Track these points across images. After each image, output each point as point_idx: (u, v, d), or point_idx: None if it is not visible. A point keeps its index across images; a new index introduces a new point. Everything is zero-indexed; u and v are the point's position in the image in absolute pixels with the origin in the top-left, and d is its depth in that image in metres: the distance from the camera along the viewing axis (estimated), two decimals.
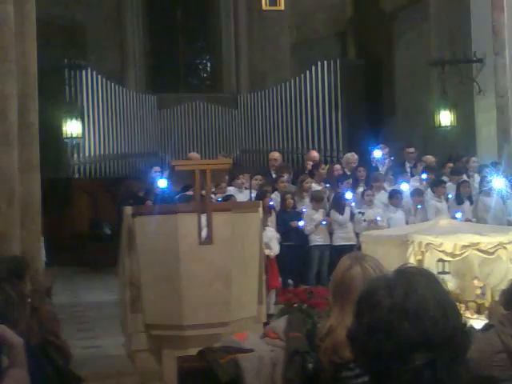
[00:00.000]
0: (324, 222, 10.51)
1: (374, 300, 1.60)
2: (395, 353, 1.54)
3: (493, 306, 4.74)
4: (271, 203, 10.13)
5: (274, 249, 9.40)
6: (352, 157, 12.86)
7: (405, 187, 11.60)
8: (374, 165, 12.67)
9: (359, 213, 10.72)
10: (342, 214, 10.66)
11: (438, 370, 1.53)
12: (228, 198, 9.88)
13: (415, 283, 1.61)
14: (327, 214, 10.76)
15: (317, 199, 10.75)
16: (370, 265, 3.12)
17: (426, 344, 1.53)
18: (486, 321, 4.93)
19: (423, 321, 1.55)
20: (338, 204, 10.79)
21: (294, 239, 10.23)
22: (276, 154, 12.76)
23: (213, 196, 9.13)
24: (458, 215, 10.19)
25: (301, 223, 10.31)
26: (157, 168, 12.14)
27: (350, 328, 1.66)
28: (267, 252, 8.29)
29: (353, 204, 10.95)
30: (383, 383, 1.58)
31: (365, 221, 10.54)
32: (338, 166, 12.46)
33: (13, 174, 7.53)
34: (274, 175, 11.96)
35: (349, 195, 10.87)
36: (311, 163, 12.45)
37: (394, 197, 11.07)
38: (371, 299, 1.61)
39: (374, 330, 1.57)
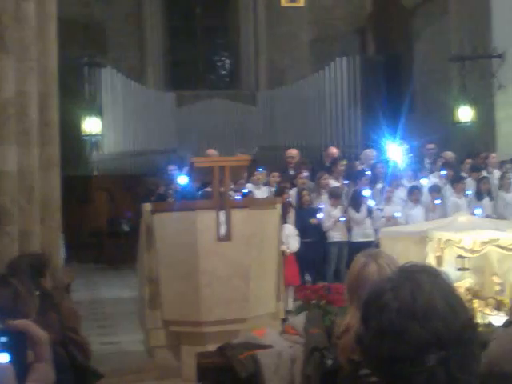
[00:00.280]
0: (343, 219, 10.49)
1: (381, 303, 1.58)
2: (407, 356, 1.52)
3: None
4: (288, 200, 10.13)
5: (293, 246, 9.39)
6: (371, 153, 12.83)
7: (424, 183, 11.56)
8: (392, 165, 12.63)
9: (378, 209, 10.68)
10: (359, 212, 10.62)
11: (451, 368, 1.52)
12: (246, 194, 9.90)
13: (421, 282, 1.58)
14: (345, 211, 10.74)
15: (335, 196, 10.74)
16: (385, 262, 3.11)
17: (437, 343, 1.51)
18: (506, 317, 4.91)
19: (433, 320, 1.53)
20: (356, 201, 10.76)
21: (312, 236, 10.23)
22: (293, 152, 12.74)
23: (231, 193, 9.14)
24: (478, 211, 10.13)
25: (319, 215, 10.31)
26: (172, 166, 12.17)
27: (357, 333, 1.64)
28: (283, 248, 8.29)
29: (371, 203, 10.90)
30: None
31: (383, 217, 10.51)
32: (356, 163, 12.43)
33: (33, 171, 7.58)
34: (291, 172, 11.95)
35: (367, 192, 10.83)
36: (330, 159, 12.44)
37: (413, 193, 11.03)
38: (378, 302, 1.59)
39: (383, 334, 1.55)
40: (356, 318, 3.10)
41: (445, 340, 1.52)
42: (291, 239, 9.38)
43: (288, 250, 9.08)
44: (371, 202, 10.91)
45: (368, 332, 1.59)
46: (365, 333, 1.60)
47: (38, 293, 3.00)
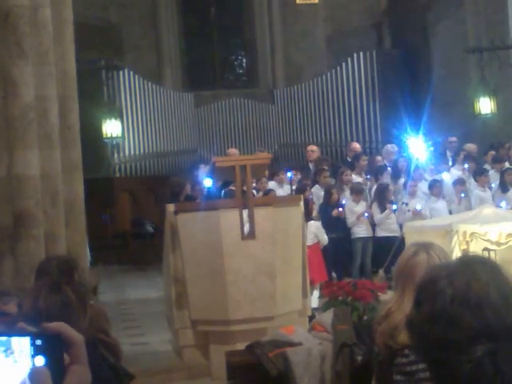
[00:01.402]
0: (366, 215, 10.45)
1: (436, 289, 1.57)
2: (456, 343, 1.51)
3: None
4: (310, 196, 10.11)
5: (324, 240, 9.40)
6: (392, 148, 12.78)
7: (446, 177, 11.48)
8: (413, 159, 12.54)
9: (403, 203, 10.63)
10: (385, 207, 10.55)
11: (499, 361, 1.50)
12: (268, 192, 9.89)
13: (477, 272, 1.57)
14: (370, 207, 10.70)
15: (357, 191, 10.70)
16: (436, 253, 3.10)
17: (487, 334, 1.50)
18: None
19: (485, 311, 1.51)
20: (381, 196, 10.69)
21: (337, 232, 10.20)
22: (314, 147, 12.73)
23: (254, 192, 9.13)
24: (503, 204, 10.03)
25: (340, 208, 10.29)
26: (203, 166, 12.17)
27: (409, 316, 1.64)
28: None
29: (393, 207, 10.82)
30: (442, 373, 1.56)
31: (409, 211, 10.45)
32: (379, 158, 12.38)
33: (56, 175, 7.62)
34: (312, 168, 11.92)
35: (390, 187, 10.75)
36: (352, 154, 12.40)
37: (435, 186, 10.97)
38: (432, 288, 1.58)
39: (435, 319, 1.54)
40: (397, 305, 3.09)
41: (495, 332, 1.50)
42: (320, 234, 9.38)
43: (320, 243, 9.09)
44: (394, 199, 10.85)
45: (419, 316, 1.58)
46: (416, 316, 1.60)
47: (92, 302, 2.97)
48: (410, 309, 1.67)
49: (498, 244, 7.40)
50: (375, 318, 3.31)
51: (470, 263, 1.62)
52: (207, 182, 10.41)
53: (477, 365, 1.50)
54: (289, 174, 11.00)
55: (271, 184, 10.81)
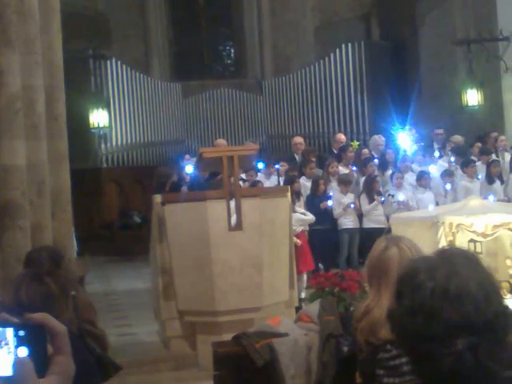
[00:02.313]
0: (352, 205, 10.46)
1: (416, 282, 1.58)
2: (437, 336, 1.52)
3: None
4: (298, 189, 10.12)
5: (311, 219, 9.42)
6: (379, 139, 12.80)
7: (433, 169, 11.51)
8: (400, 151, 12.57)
9: (389, 195, 10.66)
10: (373, 198, 10.57)
11: (480, 354, 1.51)
12: (255, 184, 9.89)
13: (457, 265, 1.58)
14: (358, 198, 10.72)
15: (344, 183, 10.72)
16: (406, 246, 3.11)
17: (468, 328, 1.51)
18: None
19: (465, 304, 1.52)
20: (370, 188, 10.72)
21: (323, 223, 10.22)
22: (299, 139, 12.71)
23: (241, 183, 9.13)
24: (491, 198, 10.08)
25: (329, 202, 10.31)
26: (188, 156, 12.18)
27: (390, 309, 1.65)
28: (294, 240, 8.29)
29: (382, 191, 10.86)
30: (423, 366, 1.57)
31: (395, 202, 10.49)
32: (366, 151, 12.39)
33: (43, 165, 7.59)
34: (298, 159, 11.93)
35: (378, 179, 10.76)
36: (338, 146, 12.41)
37: (422, 178, 11.01)
38: (412, 281, 1.59)
39: (416, 312, 1.55)
40: (375, 301, 3.10)
41: (476, 325, 1.51)
42: (306, 217, 9.41)
43: (299, 242, 9.06)
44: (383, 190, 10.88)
45: (400, 309, 1.59)
46: (397, 309, 1.61)
47: (73, 293, 2.96)
48: (388, 304, 1.68)
49: (484, 235, 7.44)
50: (354, 315, 3.32)
51: (450, 256, 1.62)
52: (188, 169, 10.42)
53: (458, 358, 1.51)
54: (277, 166, 11.03)
55: (258, 175, 10.81)
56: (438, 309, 1.53)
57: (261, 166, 10.91)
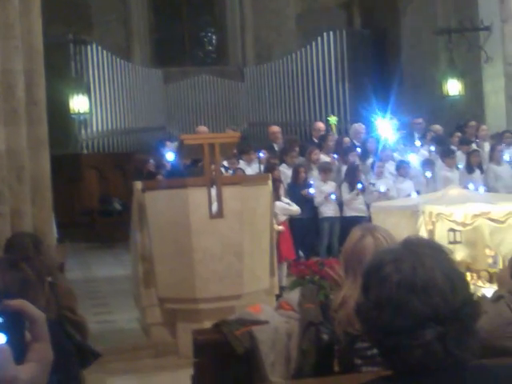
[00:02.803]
0: (333, 197, 10.45)
1: (382, 275, 1.58)
2: (405, 328, 1.53)
3: (501, 275, 4.72)
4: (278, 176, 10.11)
5: (296, 210, 9.41)
6: (359, 127, 12.81)
7: (413, 158, 11.55)
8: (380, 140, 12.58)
9: (370, 184, 10.69)
10: (355, 186, 10.58)
11: (448, 344, 1.52)
12: (237, 170, 9.89)
13: (423, 256, 1.58)
14: (339, 187, 10.73)
15: (324, 170, 10.72)
16: (381, 235, 3.12)
17: (435, 318, 1.52)
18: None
19: (432, 295, 1.53)
20: (352, 176, 10.73)
21: (304, 212, 10.23)
22: (276, 128, 12.69)
23: (223, 170, 9.12)
24: (471, 186, 10.14)
25: (311, 190, 10.31)
26: (169, 143, 12.12)
27: (357, 303, 1.65)
28: (276, 228, 8.29)
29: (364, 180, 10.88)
30: (393, 358, 1.57)
31: (376, 191, 10.52)
32: (347, 139, 12.41)
33: (22, 151, 7.53)
34: (277, 148, 11.93)
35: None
36: (317, 134, 12.42)
37: (402, 167, 11.05)
38: (378, 274, 1.59)
39: (383, 305, 1.55)
40: (351, 291, 3.11)
41: (443, 315, 1.52)
42: (291, 207, 9.40)
43: (281, 228, 9.07)
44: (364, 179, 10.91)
45: (367, 303, 1.60)
46: (364, 303, 1.61)
47: (51, 280, 2.95)
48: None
49: (464, 225, 7.48)
50: (331, 305, 3.33)
51: (415, 247, 1.62)
52: (169, 156, 10.37)
53: (427, 349, 1.51)
54: (261, 154, 11.02)
55: (240, 163, 10.80)
56: (405, 302, 1.53)
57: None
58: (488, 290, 6.40)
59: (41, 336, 1.17)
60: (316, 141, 12.32)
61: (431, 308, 1.52)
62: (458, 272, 1.60)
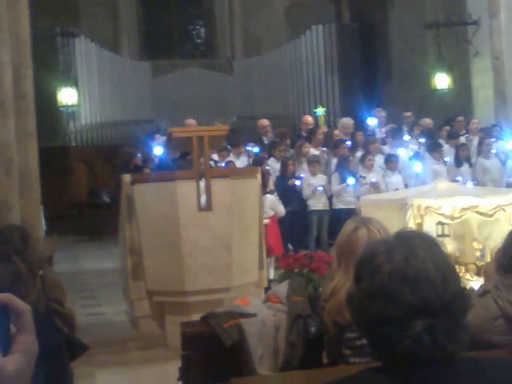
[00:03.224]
0: (320, 189, 10.44)
1: (374, 265, 1.59)
2: (395, 319, 1.53)
3: (487, 269, 4.74)
4: (266, 169, 10.11)
5: (281, 211, 9.41)
6: (348, 122, 12.81)
7: (401, 152, 11.57)
8: (369, 133, 12.59)
9: (360, 176, 10.70)
10: (346, 178, 10.58)
11: (437, 336, 1.52)
12: (228, 163, 9.89)
13: (415, 248, 1.59)
14: (329, 179, 10.73)
15: (312, 163, 10.69)
16: (375, 227, 3.13)
17: (425, 310, 1.53)
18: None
19: (423, 286, 1.54)
20: (342, 168, 10.73)
21: (293, 205, 10.24)
22: (266, 122, 12.67)
23: (212, 163, 9.11)
24: (459, 178, 10.17)
25: (297, 182, 10.32)
26: (158, 136, 12.09)
27: (349, 292, 1.66)
28: (265, 222, 8.29)
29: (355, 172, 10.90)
30: (382, 349, 1.58)
31: (366, 184, 10.53)
32: (337, 132, 12.42)
33: (10, 143, 7.50)
34: (265, 141, 11.92)
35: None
36: (306, 128, 12.42)
37: (391, 160, 11.07)
38: (371, 264, 1.60)
39: (374, 295, 1.56)
40: (343, 282, 3.12)
41: (433, 307, 1.53)
42: (276, 206, 9.39)
43: (267, 221, 9.07)
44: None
45: (359, 292, 1.60)
46: (356, 293, 1.62)
47: (41, 272, 2.94)
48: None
49: (452, 218, 7.52)
50: (321, 296, 3.34)
51: (407, 239, 1.63)
52: (157, 151, 10.34)
53: (416, 340, 1.52)
54: (249, 148, 11.01)
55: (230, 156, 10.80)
56: (396, 292, 1.54)
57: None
58: (476, 283, 6.43)
59: (26, 328, 1.17)
60: (304, 134, 12.32)
61: (422, 299, 1.52)
62: (450, 265, 1.61)
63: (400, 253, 1.57)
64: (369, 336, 1.61)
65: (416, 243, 1.60)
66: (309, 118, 13.12)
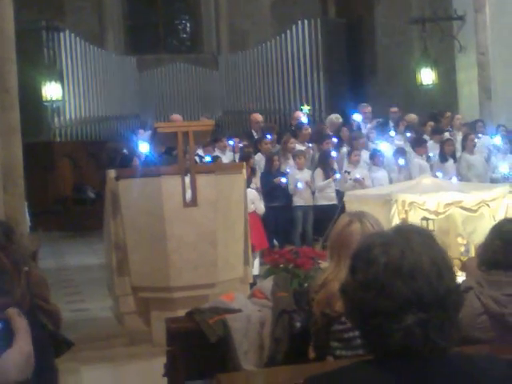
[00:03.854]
0: (300, 185, 10.40)
1: (370, 257, 1.60)
2: (387, 311, 1.55)
3: (469, 264, 4.76)
4: (253, 165, 10.11)
5: (260, 209, 9.40)
6: (336, 119, 12.83)
7: (385, 147, 11.58)
8: (355, 128, 12.60)
9: (345, 172, 10.72)
10: (329, 173, 10.60)
11: (429, 330, 1.54)
12: (215, 158, 9.88)
13: (412, 241, 1.60)
14: (313, 174, 10.75)
15: (298, 156, 10.69)
16: (369, 222, 3.16)
17: (418, 304, 1.54)
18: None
19: (417, 280, 1.55)
20: (325, 162, 10.76)
21: (278, 200, 10.25)
22: (258, 116, 12.66)
23: (196, 158, 9.10)
24: (439, 174, 10.22)
25: (283, 180, 10.31)
26: (141, 131, 12.05)
27: (343, 283, 1.67)
28: (251, 208, 8.29)
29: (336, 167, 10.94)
30: (374, 341, 1.59)
31: (351, 179, 10.55)
32: (325, 126, 12.46)
33: None
34: (256, 136, 11.90)
35: (334, 154, 10.83)
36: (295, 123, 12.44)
37: (375, 156, 11.10)
38: (367, 256, 1.61)
39: (368, 287, 1.57)
40: (334, 274, 3.15)
41: (426, 301, 1.54)
42: (257, 202, 9.38)
43: (257, 212, 9.09)
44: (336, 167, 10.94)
45: (354, 283, 1.62)
46: (351, 283, 1.63)
47: (26, 268, 2.92)
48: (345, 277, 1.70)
49: (436, 213, 7.56)
50: (312, 287, 3.36)
51: (405, 232, 1.64)
52: (143, 148, 10.32)
53: (407, 333, 1.53)
54: (231, 142, 10.97)
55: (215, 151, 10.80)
56: (390, 284, 1.55)
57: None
58: (460, 278, 6.48)
59: (22, 342, 1.19)
60: (294, 129, 12.34)
61: (415, 292, 1.54)
62: (446, 260, 1.62)
63: (396, 246, 1.59)
64: (361, 327, 1.63)
65: (413, 237, 1.62)
66: (300, 114, 13.14)
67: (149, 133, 11.44)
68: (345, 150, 11.49)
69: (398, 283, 1.55)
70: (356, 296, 1.60)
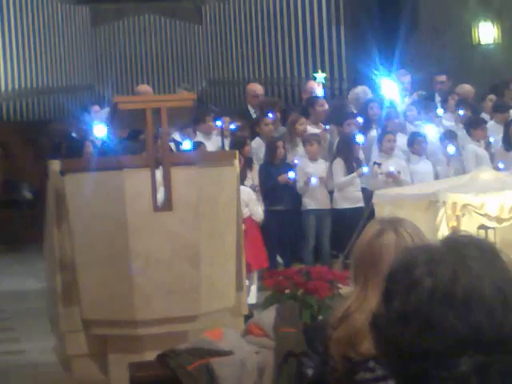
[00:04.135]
0: (314, 180, 10.38)
1: (410, 279, 1.60)
2: (434, 353, 1.55)
3: None
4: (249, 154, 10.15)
5: (257, 215, 9.40)
6: (363, 93, 12.84)
7: (429, 129, 11.60)
8: (387, 104, 12.60)
9: (375, 163, 10.69)
10: (352, 165, 10.59)
11: (490, 379, 1.54)
12: (198, 145, 9.88)
13: (468, 259, 1.60)
14: (330, 167, 10.75)
15: (310, 142, 10.67)
16: (407, 232, 3.14)
17: (476, 343, 1.54)
18: None
19: (475, 311, 1.55)
20: (347, 151, 10.74)
21: (283, 202, 10.26)
22: (258, 87, 12.68)
23: (172, 145, 9.11)
24: (501, 165, 10.23)
25: (291, 174, 10.26)
26: (96, 107, 12.06)
27: (374, 313, 1.67)
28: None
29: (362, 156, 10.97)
30: None
31: (382, 174, 10.54)
32: (344, 102, 12.49)
33: None
34: (254, 115, 11.91)
35: (360, 138, 10.81)
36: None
37: (415, 142, 11.10)
38: (406, 278, 1.61)
39: (408, 319, 1.58)
40: (359, 302, 3.15)
41: (487, 341, 1.54)
42: (254, 205, 9.38)
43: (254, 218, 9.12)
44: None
45: (389, 314, 1.62)
46: (384, 315, 1.63)
47: None
48: (375, 306, 1.69)
49: (499, 220, 7.58)
50: (329, 320, 3.37)
51: (458, 246, 1.64)
52: (98, 132, 10.33)
53: (461, 383, 1.53)
54: (218, 123, 10.92)
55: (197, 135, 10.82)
56: (438, 316, 1.55)
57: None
58: None
59: None
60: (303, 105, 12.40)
61: (472, 328, 1.54)
62: None
63: (447, 264, 1.59)
64: (398, 374, 1.63)
65: (470, 253, 1.61)
66: (314, 84, 13.13)
67: (106, 110, 11.46)
68: (374, 133, 11.51)
69: (448, 315, 1.55)
70: (391, 332, 1.60)
